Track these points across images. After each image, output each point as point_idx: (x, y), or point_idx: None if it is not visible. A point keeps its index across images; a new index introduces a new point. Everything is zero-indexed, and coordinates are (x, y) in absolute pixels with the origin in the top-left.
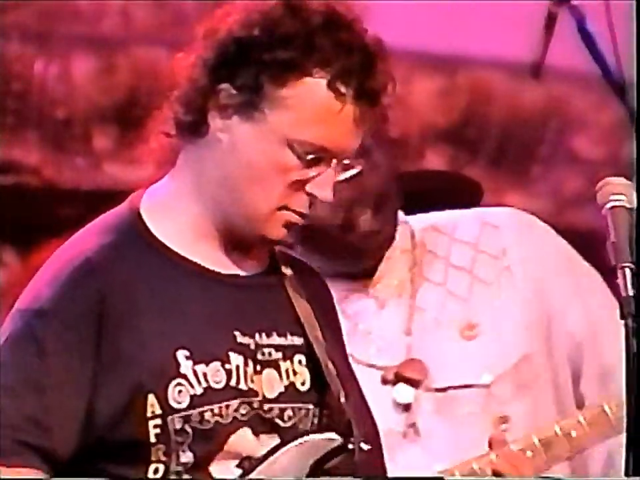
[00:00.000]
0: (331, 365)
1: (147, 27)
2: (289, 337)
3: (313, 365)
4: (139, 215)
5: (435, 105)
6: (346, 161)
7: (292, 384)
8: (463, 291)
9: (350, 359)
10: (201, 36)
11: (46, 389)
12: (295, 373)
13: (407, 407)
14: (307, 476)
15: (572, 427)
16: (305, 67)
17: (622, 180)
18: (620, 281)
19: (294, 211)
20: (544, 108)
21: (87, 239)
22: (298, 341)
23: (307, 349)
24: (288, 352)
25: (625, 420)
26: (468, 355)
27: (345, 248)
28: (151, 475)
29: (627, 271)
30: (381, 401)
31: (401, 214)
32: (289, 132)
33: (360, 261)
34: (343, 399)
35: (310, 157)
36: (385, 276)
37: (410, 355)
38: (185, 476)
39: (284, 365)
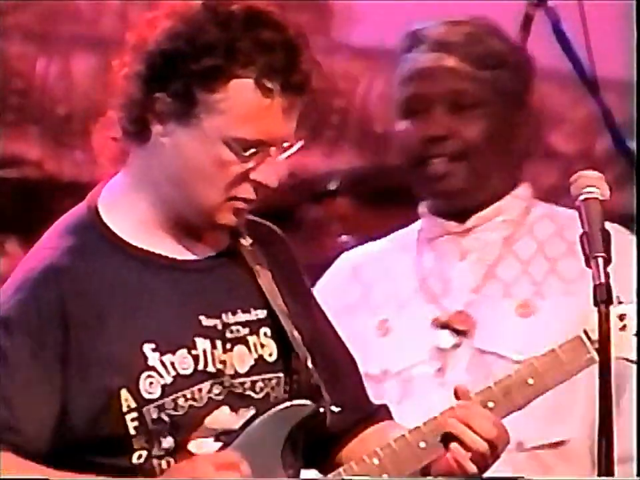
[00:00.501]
0: (296, 333)
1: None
2: (252, 311)
3: (279, 335)
4: (97, 212)
5: None
6: (285, 144)
7: (260, 356)
8: (539, 276)
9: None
10: (131, 47)
11: (12, 397)
12: (262, 346)
13: (443, 352)
14: (285, 442)
15: (528, 373)
16: (231, 70)
17: (594, 173)
18: (593, 269)
19: (241, 199)
20: None
21: (49, 244)
22: (262, 314)
23: (272, 320)
24: (254, 326)
25: (578, 362)
26: (516, 329)
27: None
28: (135, 461)
29: (600, 260)
30: (424, 339)
31: (523, 191)
32: (225, 132)
33: (448, 202)
34: (310, 365)
35: (248, 152)
36: (477, 232)
37: (468, 310)
38: (168, 458)
39: (252, 339)
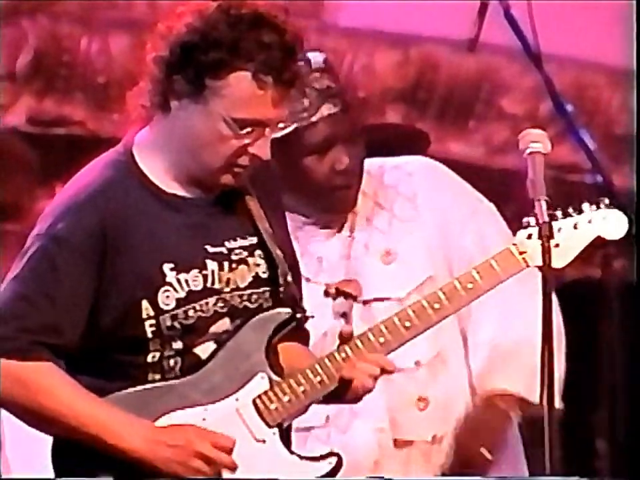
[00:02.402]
0: (279, 251)
1: (168, 11)
2: (248, 238)
3: (267, 256)
4: (132, 155)
5: (393, 73)
6: (281, 125)
7: (256, 274)
8: (384, 225)
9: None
10: (160, 35)
11: (57, 298)
12: (257, 265)
13: (343, 315)
14: (268, 342)
15: (468, 280)
16: (233, 63)
17: (538, 131)
18: (537, 210)
19: (240, 166)
20: (478, 75)
21: (91, 174)
22: (254, 240)
23: (261, 244)
24: (250, 250)
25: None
26: (387, 275)
27: (320, 188)
28: (149, 359)
29: (543, 202)
30: (323, 310)
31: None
32: (225, 113)
33: (329, 199)
34: (289, 279)
35: (244, 130)
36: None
37: (348, 275)
38: (176, 358)
39: (250, 260)
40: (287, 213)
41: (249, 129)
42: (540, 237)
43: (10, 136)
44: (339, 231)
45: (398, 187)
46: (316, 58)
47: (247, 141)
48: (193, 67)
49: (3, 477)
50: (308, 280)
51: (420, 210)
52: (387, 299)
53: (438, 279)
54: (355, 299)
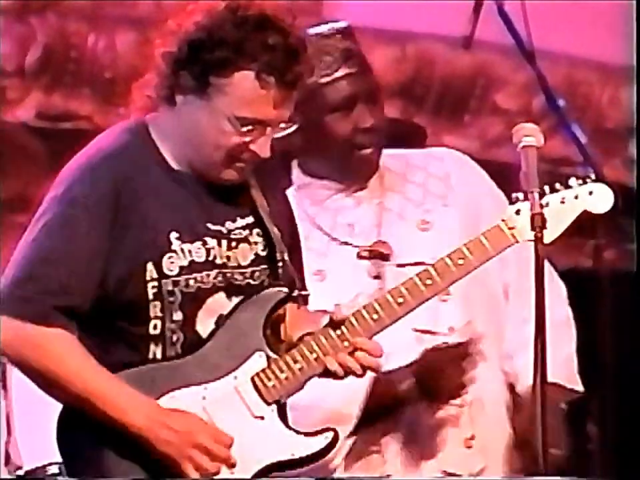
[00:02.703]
0: (275, 230)
1: (173, 9)
2: (247, 218)
3: (266, 235)
4: (147, 127)
5: (391, 69)
6: (282, 125)
7: (257, 252)
8: (418, 197)
9: (333, 241)
10: (169, 31)
11: (72, 259)
12: (256, 243)
13: (377, 276)
14: (265, 320)
15: (459, 256)
16: (237, 63)
17: (531, 125)
18: (530, 201)
19: (240, 160)
20: (473, 71)
21: (107, 139)
22: (252, 218)
23: (260, 224)
24: (250, 228)
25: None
26: (422, 242)
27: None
28: (151, 331)
29: (535, 194)
30: (357, 272)
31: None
32: (227, 110)
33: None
34: (286, 257)
35: (245, 128)
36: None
37: (379, 238)
38: (178, 334)
39: (251, 239)
40: (314, 183)
41: (250, 127)
42: (532, 227)
43: (19, 130)
44: (368, 198)
45: (427, 168)
46: (339, 23)
47: (247, 138)
48: (199, 64)
49: (2, 476)
50: (342, 243)
51: (455, 188)
52: (422, 263)
53: None
54: (387, 259)
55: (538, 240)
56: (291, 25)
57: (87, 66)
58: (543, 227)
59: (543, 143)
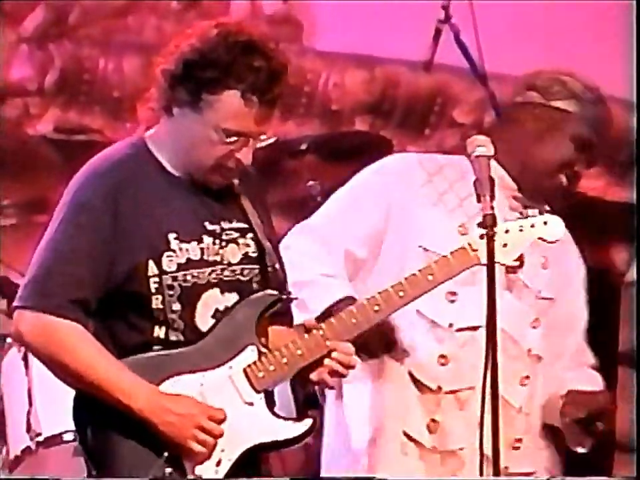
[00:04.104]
0: (268, 243)
1: (174, 36)
2: (240, 222)
3: (256, 242)
4: (145, 142)
5: (361, 89)
6: (263, 137)
7: (246, 252)
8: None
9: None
10: (169, 51)
11: (84, 256)
12: (247, 245)
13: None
14: (257, 320)
15: (428, 272)
16: (226, 82)
17: (483, 137)
18: (483, 204)
19: (226, 167)
20: (432, 90)
21: (110, 152)
22: (246, 225)
23: (252, 231)
24: (242, 232)
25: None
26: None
27: None
28: (155, 317)
29: (487, 197)
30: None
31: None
32: (215, 123)
33: None
34: (277, 266)
35: (230, 139)
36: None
37: None
38: (179, 322)
39: (241, 240)
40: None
41: (234, 138)
42: (484, 227)
43: (40, 142)
44: None
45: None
46: None
47: (232, 147)
48: (192, 81)
49: (2, 476)
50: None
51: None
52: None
53: None
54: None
55: (489, 238)
56: (274, 50)
57: (98, 86)
58: (494, 224)
59: (494, 153)
